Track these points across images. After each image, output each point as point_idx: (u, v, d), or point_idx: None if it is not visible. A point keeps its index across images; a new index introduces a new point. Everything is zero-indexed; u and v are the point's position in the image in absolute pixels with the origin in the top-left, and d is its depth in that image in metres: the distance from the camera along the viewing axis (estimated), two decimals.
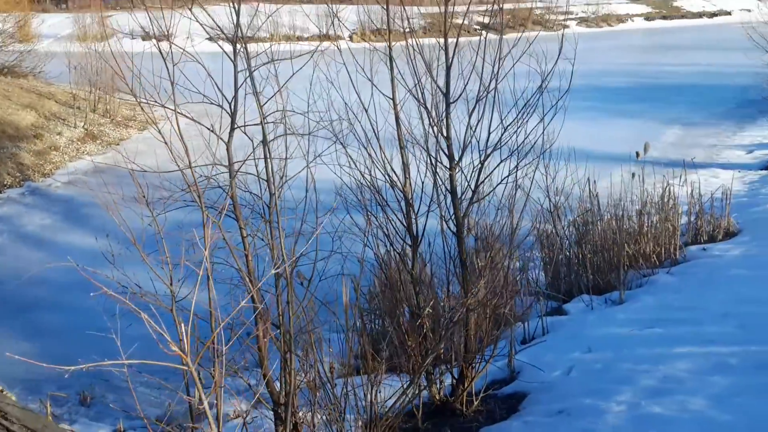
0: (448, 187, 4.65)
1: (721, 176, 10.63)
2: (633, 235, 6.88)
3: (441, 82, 4.54)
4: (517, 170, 4.70)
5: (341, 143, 4.53)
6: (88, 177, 11.43)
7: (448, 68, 4.50)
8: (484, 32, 4.62)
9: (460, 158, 4.60)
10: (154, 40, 3.69)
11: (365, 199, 4.74)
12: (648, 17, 49.20)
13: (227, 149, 3.88)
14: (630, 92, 17.98)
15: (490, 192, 4.71)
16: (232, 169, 3.90)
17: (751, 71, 16.61)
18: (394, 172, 4.66)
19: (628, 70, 21.64)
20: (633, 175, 7.10)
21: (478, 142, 4.68)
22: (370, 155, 4.67)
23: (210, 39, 4.09)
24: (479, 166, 4.61)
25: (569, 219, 6.72)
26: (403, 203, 4.68)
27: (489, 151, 4.60)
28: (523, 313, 5.61)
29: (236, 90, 3.82)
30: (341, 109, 4.65)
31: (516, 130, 4.63)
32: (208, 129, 3.85)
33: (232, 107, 3.83)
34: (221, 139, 3.84)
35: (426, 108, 4.60)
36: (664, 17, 49.73)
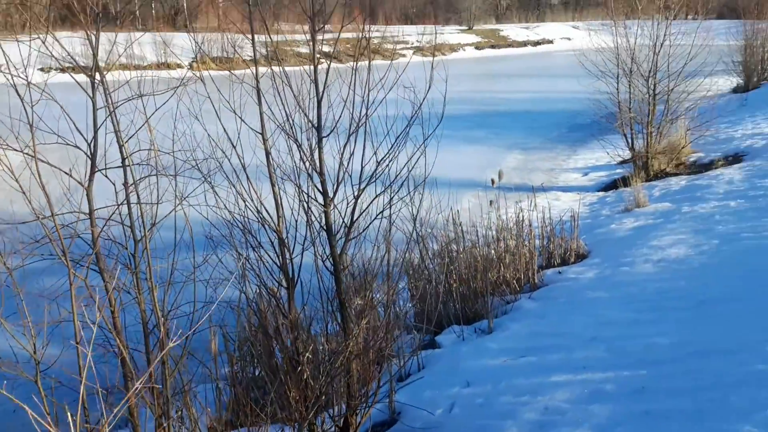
0: (323, 224, 4.47)
1: (562, 198, 11.20)
2: (494, 263, 7.01)
3: (313, 113, 4.37)
4: (391, 205, 4.61)
5: (209, 183, 4.24)
6: None
7: (319, 101, 4.34)
8: (351, 62, 4.50)
9: (335, 194, 4.44)
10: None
11: (235, 240, 4.46)
12: (478, 46, 51.80)
13: (87, 195, 3.49)
14: (470, 119, 18.64)
15: (366, 227, 4.57)
16: (93, 218, 3.51)
17: (578, 97, 17.81)
18: (267, 211, 4.42)
19: (466, 98, 22.49)
20: (491, 202, 7.25)
21: (351, 177, 4.54)
22: (240, 194, 4.41)
23: (62, 70, 3.68)
24: (354, 201, 4.47)
25: (435, 249, 6.73)
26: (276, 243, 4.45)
27: (363, 185, 4.47)
28: (399, 350, 5.50)
29: (96, 128, 3.44)
30: (208, 146, 4.35)
31: (388, 163, 4.54)
32: (66, 173, 3.44)
33: (92, 148, 3.45)
34: (80, 184, 3.45)
35: (297, 143, 4.40)
36: (493, 46, 52.58)
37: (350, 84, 4.21)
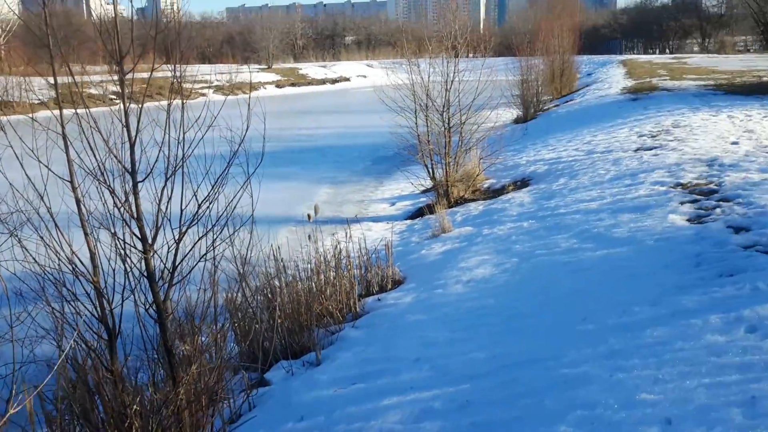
0: (144, 271, 4.35)
1: (374, 228, 11.62)
2: (316, 295, 7.12)
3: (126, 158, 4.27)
4: (214, 247, 4.58)
5: (15, 236, 3.98)
6: None
7: (132, 145, 4.24)
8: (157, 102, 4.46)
9: (154, 239, 4.34)
10: None
11: (49, 294, 4.21)
12: (278, 84, 52.35)
13: None
14: (279, 156, 18.80)
15: (189, 271, 4.51)
16: None
17: (379, 131, 18.58)
18: (81, 262, 4.23)
19: (273, 135, 22.60)
20: (309, 236, 7.38)
21: (170, 221, 4.47)
22: (50, 245, 4.18)
23: None
24: (175, 245, 4.40)
25: (256, 286, 6.72)
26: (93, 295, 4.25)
27: (184, 228, 4.42)
28: (229, 392, 5.42)
29: None
30: (13, 197, 4.10)
31: (209, 205, 4.52)
32: None
33: None
34: None
35: (110, 189, 4.26)
36: (293, 84, 53.37)
37: (165, 126, 4.16)
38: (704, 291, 5.38)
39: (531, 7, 77.19)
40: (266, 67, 56.48)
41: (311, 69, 58.37)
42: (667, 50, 68.46)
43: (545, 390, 4.41)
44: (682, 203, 8.06)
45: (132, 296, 4.40)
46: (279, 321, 6.64)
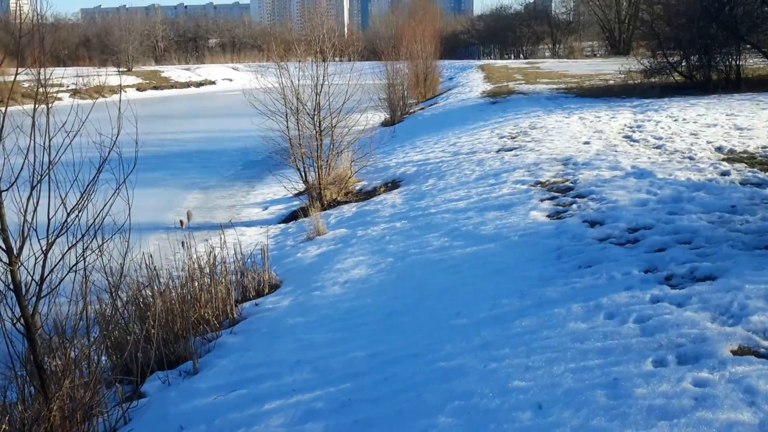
0: (10, 284, 4.14)
1: (247, 233, 11.51)
2: (191, 303, 7.00)
3: None
4: (84, 257, 4.43)
5: None
6: None
7: None
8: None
9: (20, 250, 4.14)
10: None
11: None
12: (139, 88, 50.51)
13: None
14: (145, 161, 18.09)
15: (58, 283, 4.33)
16: None
17: (248, 135, 18.35)
18: None
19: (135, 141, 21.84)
20: (182, 243, 7.24)
21: (37, 231, 4.28)
22: None
23: None
24: (43, 256, 4.22)
25: (128, 296, 6.51)
26: None
27: (52, 238, 4.24)
28: (101, 406, 5.24)
29: None
30: None
31: (78, 213, 4.37)
32: None
33: None
34: None
35: None
36: (155, 87, 51.65)
37: (31, 132, 3.99)
38: (565, 282, 5.77)
39: (393, 12, 78.76)
40: (126, 69, 54.33)
41: (174, 72, 56.72)
42: (522, 55, 71.90)
43: (424, 384, 4.58)
44: (542, 200, 8.55)
45: None
46: (153, 331, 6.47)
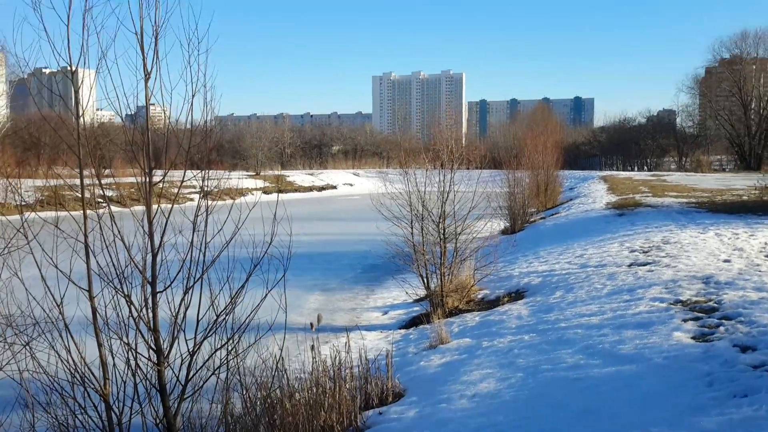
0: (156, 384, 4.21)
1: (367, 337, 11.44)
2: (316, 408, 6.90)
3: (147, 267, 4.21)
4: (228, 360, 4.47)
5: (28, 352, 3.86)
6: None
7: (155, 255, 4.20)
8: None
9: (169, 351, 4.23)
10: None
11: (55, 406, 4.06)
12: (266, 191, 52.90)
13: None
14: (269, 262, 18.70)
15: (201, 385, 4.37)
16: None
17: (366, 239, 18.60)
18: (90, 371, 4.09)
19: (260, 241, 22.67)
20: (312, 347, 7.24)
21: (185, 332, 4.37)
22: (60, 355, 4.06)
23: None
24: (189, 358, 4.28)
25: (257, 397, 6.51)
26: (102, 407, 4.09)
27: (200, 340, 4.32)
28: None
29: None
30: (24, 302, 4.01)
31: (226, 315, 4.45)
32: None
33: None
34: None
35: (128, 299, 4.19)
36: (280, 191, 53.95)
37: (191, 236, 4.14)
38: (721, 412, 5.29)
39: (512, 123, 79.76)
40: (254, 173, 57.25)
41: (298, 176, 59.26)
42: (645, 167, 70.49)
43: None
44: (684, 320, 8.04)
45: (140, 410, 4.24)
46: None
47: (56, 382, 4.01)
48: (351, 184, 61.26)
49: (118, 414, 4.05)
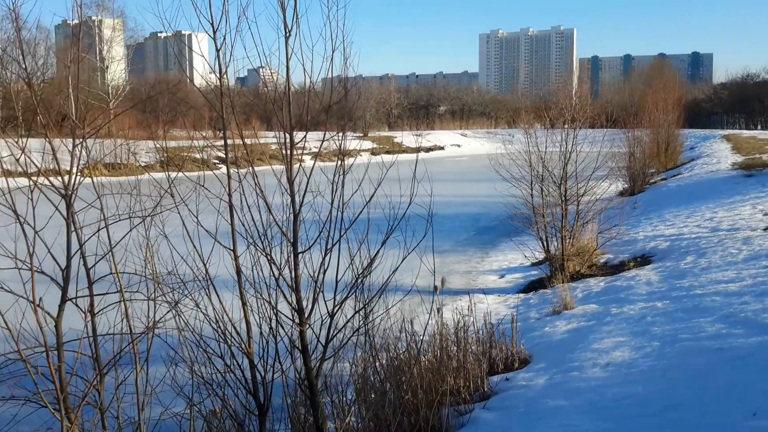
0: (298, 345, 4.21)
1: (485, 302, 11.25)
2: (442, 372, 6.82)
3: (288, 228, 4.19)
4: (366, 321, 4.41)
5: (176, 311, 3.92)
6: None
7: (296, 216, 4.17)
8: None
9: (310, 312, 4.20)
10: None
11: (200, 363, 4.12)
12: (374, 152, 53.25)
13: (56, 326, 3.11)
14: (380, 223, 18.80)
15: (342, 346, 4.34)
16: (61, 353, 3.11)
17: (478, 201, 18.25)
18: (237, 331, 4.13)
19: (374, 202, 22.77)
20: (438, 310, 7.13)
21: (323, 293, 4.34)
22: (206, 315, 4.11)
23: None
24: (329, 319, 4.25)
25: (386, 361, 6.48)
26: (245, 365, 4.13)
27: (340, 301, 4.27)
28: None
29: (69, 255, 3.11)
30: (171, 262, 4.07)
31: (363, 273, 4.38)
32: (27, 300, 3.07)
33: (65, 275, 3.11)
34: (50, 315, 3.07)
35: (270, 259, 4.18)
36: (388, 152, 54.13)
37: (332, 197, 4.08)
38: None
39: (627, 80, 76.35)
40: (362, 135, 57.66)
41: (405, 137, 59.21)
42: None
43: None
44: None
45: (281, 369, 4.26)
46: (407, 397, 6.37)
47: (202, 341, 4.07)
48: (458, 145, 60.73)
49: (262, 373, 4.07)
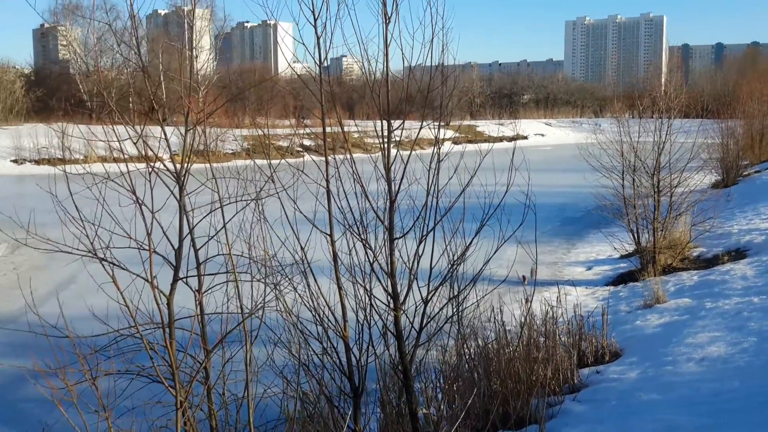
0: (392, 329, 4.27)
1: (572, 293, 11.06)
2: (530, 363, 6.77)
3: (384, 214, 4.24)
4: (459, 309, 4.43)
5: (277, 293, 4.03)
6: None
7: (392, 202, 4.22)
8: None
9: (406, 297, 4.25)
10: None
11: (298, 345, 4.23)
12: (455, 141, 52.98)
13: (168, 306, 3.26)
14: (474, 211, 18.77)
15: (436, 332, 4.37)
16: (173, 330, 3.26)
17: (563, 192, 17.91)
18: (333, 315, 4.22)
19: (457, 191, 22.73)
20: (527, 300, 7.08)
21: (417, 279, 4.38)
22: (302, 297, 4.21)
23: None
24: (423, 304, 4.29)
25: (474, 349, 6.49)
26: (340, 349, 4.22)
27: (434, 287, 4.31)
28: None
29: (181, 237, 3.26)
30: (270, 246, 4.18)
31: (457, 261, 4.40)
32: (144, 279, 3.23)
33: (178, 255, 3.25)
34: (162, 294, 3.23)
35: (366, 244, 4.25)
36: (470, 141, 53.76)
37: (429, 184, 4.10)
38: None
39: (718, 68, 73.26)
40: (444, 124, 57.42)
41: (487, 126, 58.60)
42: None
43: None
44: None
45: (375, 354, 4.33)
46: (496, 386, 6.36)
47: (299, 323, 4.18)
48: (542, 135, 59.69)
49: (357, 356, 4.15)
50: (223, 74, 54.22)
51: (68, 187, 3.19)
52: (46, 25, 75.68)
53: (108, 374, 3.01)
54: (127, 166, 3.15)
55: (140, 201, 3.20)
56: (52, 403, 3.16)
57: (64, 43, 68.77)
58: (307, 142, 37.50)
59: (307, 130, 5.23)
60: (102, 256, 3.12)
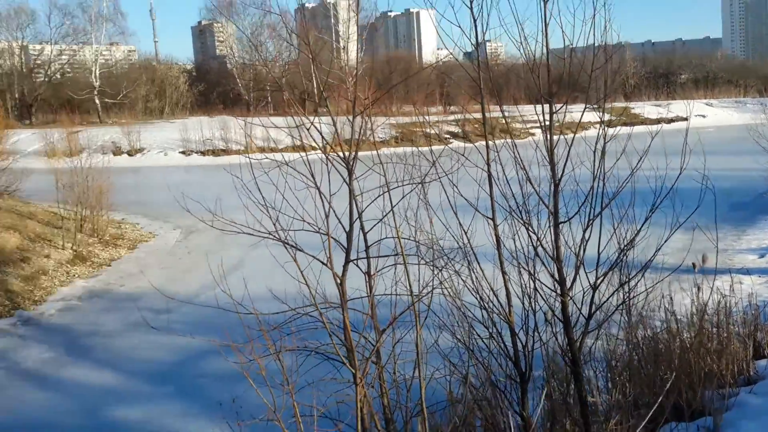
0: (559, 315, 4.19)
1: (744, 281, 10.36)
2: (702, 353, 6.42)
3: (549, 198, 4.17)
4: (629, 297, 4.28)
5: (442, 278, 4.07)
6: (83, 303, 10.73)
7: (556, 185, 4.13)
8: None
9: (573, 282, 4.16)
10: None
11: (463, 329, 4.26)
12: (609, 124, 50.95)
13: (341, 284, 3.39)
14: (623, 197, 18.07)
15: (605, 319, 4.25)
16: (346, 308, 3.39)
17: (728, 175, 16.70)
18: (498, 300, 4.20)
19: (619, 176, 21.89)
20: (699, 288, 6.73)
21: (584, 265, 4.26)
22: (464, 281, 4.23)
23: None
24: (592, 290, 4.17)
25: (644, 336, 6.25)
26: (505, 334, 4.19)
27: (603, 272, 4.18)
28: None
29: (352, 220, 3.37)
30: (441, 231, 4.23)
31: (627, 246, 4.24)
32: (321, 262, 3.37)
33: (350, 238, 3.37)
34: (336, 275, 3.36)
35: (530, 228, 4.19)
36: (625, 124, 51.53)
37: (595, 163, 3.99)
38: None
39: None
40: (596, 106, 55.43)
41: (644, 108, 55.86)
42: None
43: None
44: None
45: (540, 340, 4.27)
46: (666, 377, 6.09)
47: (464, 307, 4.20)
48: (703, 116, 56.08)
49: (522, 342, 4.12)
50: (371, 64, 55.25)
51: (252, 174, 3.39)
52: (204, 22, 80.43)
53: (289, 350, 3.18)
54: (306, 154, 3.30)
55: (318, 186, 3.35)
56: (229, 378, 3.34)
57: (221, 39, 72.78)
58: (452, 129, 37.60)
59: (463, 116, 5.19)
60: (282, 238, 3.29)
